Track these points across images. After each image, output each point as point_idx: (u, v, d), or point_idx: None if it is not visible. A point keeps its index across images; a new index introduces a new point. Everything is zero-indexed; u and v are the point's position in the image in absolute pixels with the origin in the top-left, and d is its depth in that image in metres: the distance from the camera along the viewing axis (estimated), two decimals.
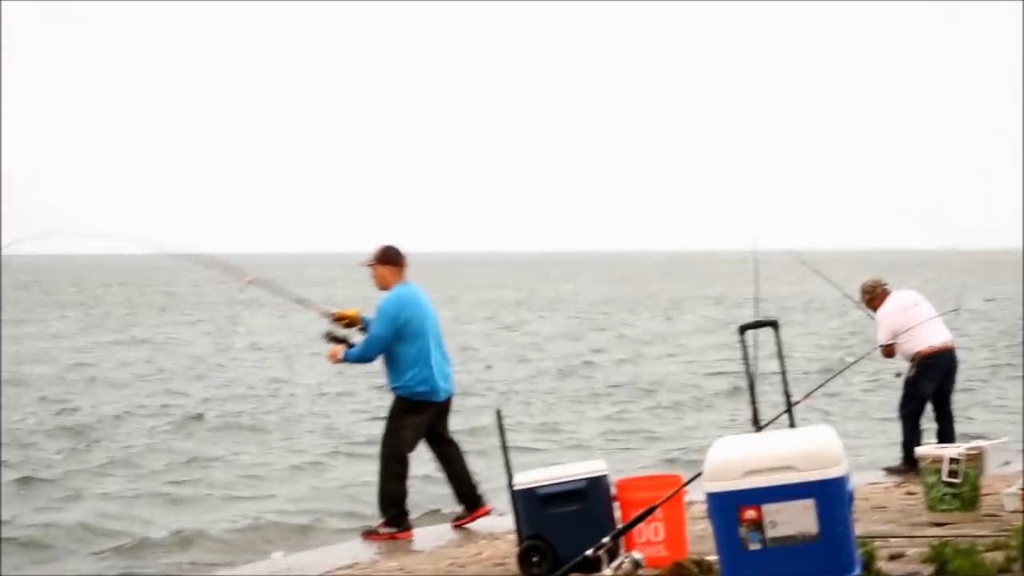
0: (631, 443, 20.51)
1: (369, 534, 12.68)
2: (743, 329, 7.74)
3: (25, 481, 16.70)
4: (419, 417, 12.32)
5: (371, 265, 12.40)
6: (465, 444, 13.35)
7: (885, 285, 14.89)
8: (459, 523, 12.77)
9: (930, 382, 14.49)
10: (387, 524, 12.46)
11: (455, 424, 13.26)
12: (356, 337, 12.53)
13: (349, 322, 12.62)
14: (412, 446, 12.39)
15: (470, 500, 12.68)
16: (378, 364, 12.44)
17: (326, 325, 12.67)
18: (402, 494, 12.44)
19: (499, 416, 9.62)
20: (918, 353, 14.45)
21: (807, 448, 6.80)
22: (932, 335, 14.48)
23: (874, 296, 14.81)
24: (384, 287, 12.39)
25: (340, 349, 12.35)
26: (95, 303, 71.78)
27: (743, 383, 8.27)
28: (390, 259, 12.40)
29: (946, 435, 14.33)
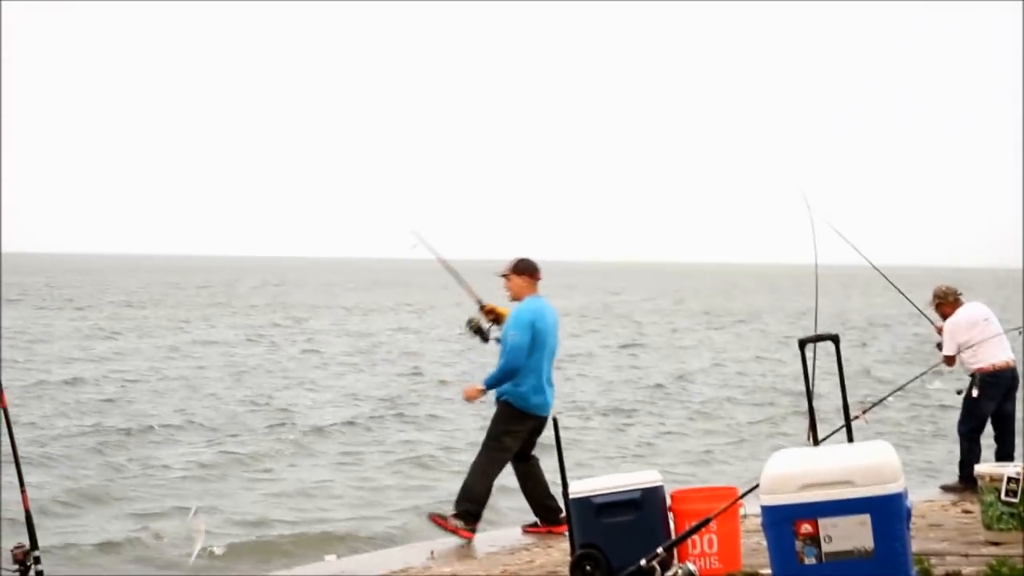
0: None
1: (436, 517, 12.76)
2: (803, 344, 7.70)
3: None
4: (523, 427, 12.41)
5: (506, 275, 12.48)
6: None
7: (959, 294, 14.73)
8: (531, 529, 12.78)
9: (991, 400, 14.36)
10: (457, 516, 12.50)
11: None
12: (495, 333, 12.69)
13: (496, 318, 12.76)
14: (511, 453, 12.45)
15: (549, 513, 12.64)
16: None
17: (473, 313, 12.87)
18: (484, 495, 12.49)
19: (556, 424, 9.63)
20: (980, 370, 14.33)
21: (865, 463, 6.76)
22: (997, 353, 14.35)
23: (945, 302, 14.66)
24: (517, 298, 12.47)
25: (475, 392, 12.49)
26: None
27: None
28: (527, 271, 12.48)
29: (1006, 455, 14.18)
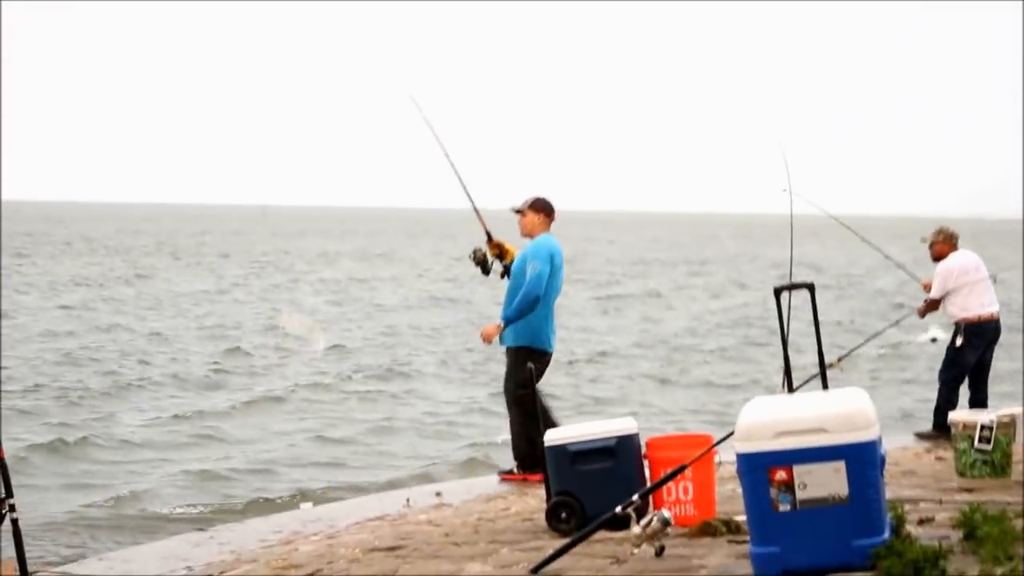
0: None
1: (504, 475, 12.79)
2: (778, 292, 7.68)
3: None
4: (543, 365, 12.18)
5: (521, 211, 12.32)
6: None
7: (957, 238, 14.61)
8: (507, 477, 12.72)
9: (975, 350, 14.31)
10: (521, 466, 12.47)
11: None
12: (496, 267, 12.59)
13: (501, 253, 12.62)
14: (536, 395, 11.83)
15: (529, 460, 12.50)
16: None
17: (480, 244, 12.67)
18: (529, 442, 12.13)
19: (531, 373, 9.62)
20: (966, 320, 14.30)
21: (839, 410, 6.76)
22: (984, 303, 14.32)
23: (943, 243, 14.51)
24: (531, 235, 12.30)
25: (494, 329, 12.23)
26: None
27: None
28: (543, 209, 12.34)
29: (980, 403, 14.20)
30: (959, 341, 14.31)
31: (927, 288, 14.64)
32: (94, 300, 39.13)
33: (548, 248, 12.17)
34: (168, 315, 35.15)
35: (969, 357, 14.31)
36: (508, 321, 12.10)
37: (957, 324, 14.36)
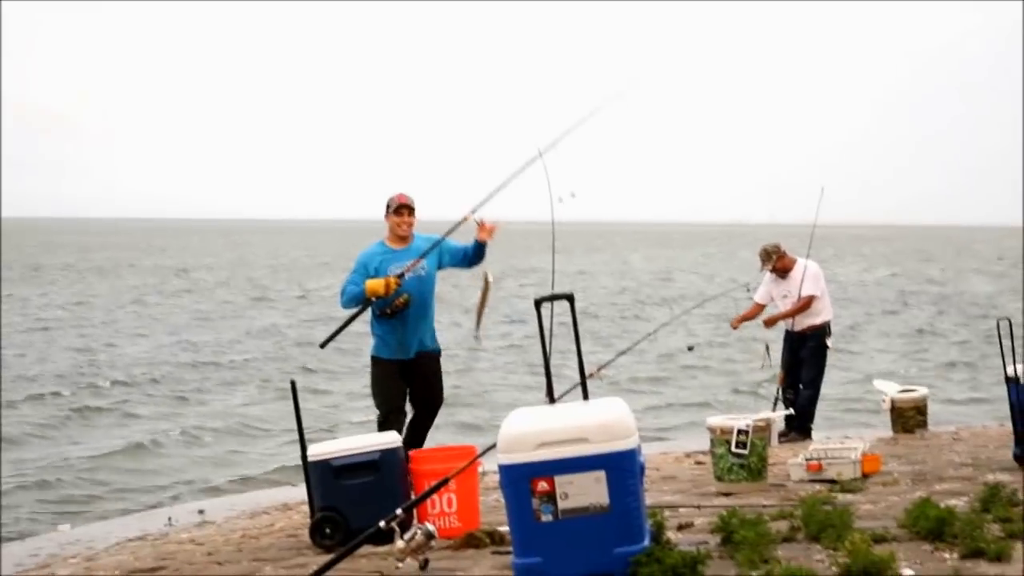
0: None
1: None
2: (538, 303, 7.71)
3: None
4: None
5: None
6: None
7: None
8: None
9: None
10: None
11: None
12: None
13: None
14: None
15: None
16: None
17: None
18: None
19: (293, 387, 9.50)
20: (826, 322, 14.77)
21: (599, 420, 6.82)
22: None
23: (782, 256, 14.77)
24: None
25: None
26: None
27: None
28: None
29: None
30: (830, 342, 14.77)
31: (760, 306, 14.94)
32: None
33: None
34: None
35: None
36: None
37: (826, 324, 14.68)
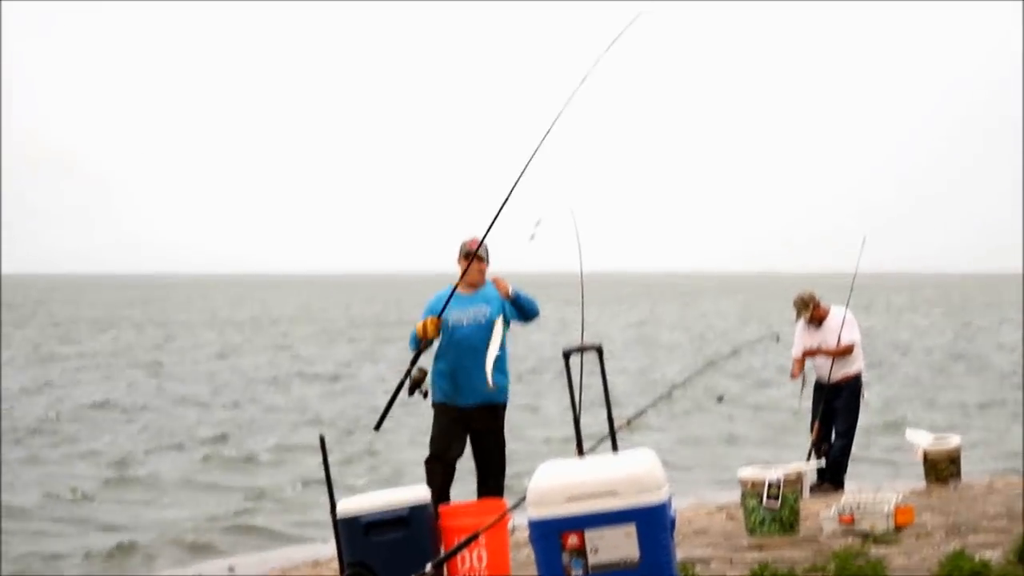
0: None
1: None
2: (567, 354, 7.67)
3: None
4: None
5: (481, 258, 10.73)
6: None
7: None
8: None
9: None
10: None
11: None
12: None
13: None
14: None
15: None
16: None
17: None
18: None
19: (322, 441, 9.46)
20: (860, 372, 14.67)
21: (628, 473, 6.77)
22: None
23: (817, 304, 14.66)
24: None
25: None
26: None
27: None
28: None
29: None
30: (865, 393, 14.75)
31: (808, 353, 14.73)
32: None
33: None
34: None
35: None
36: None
37: (859, 374, 14.61)
